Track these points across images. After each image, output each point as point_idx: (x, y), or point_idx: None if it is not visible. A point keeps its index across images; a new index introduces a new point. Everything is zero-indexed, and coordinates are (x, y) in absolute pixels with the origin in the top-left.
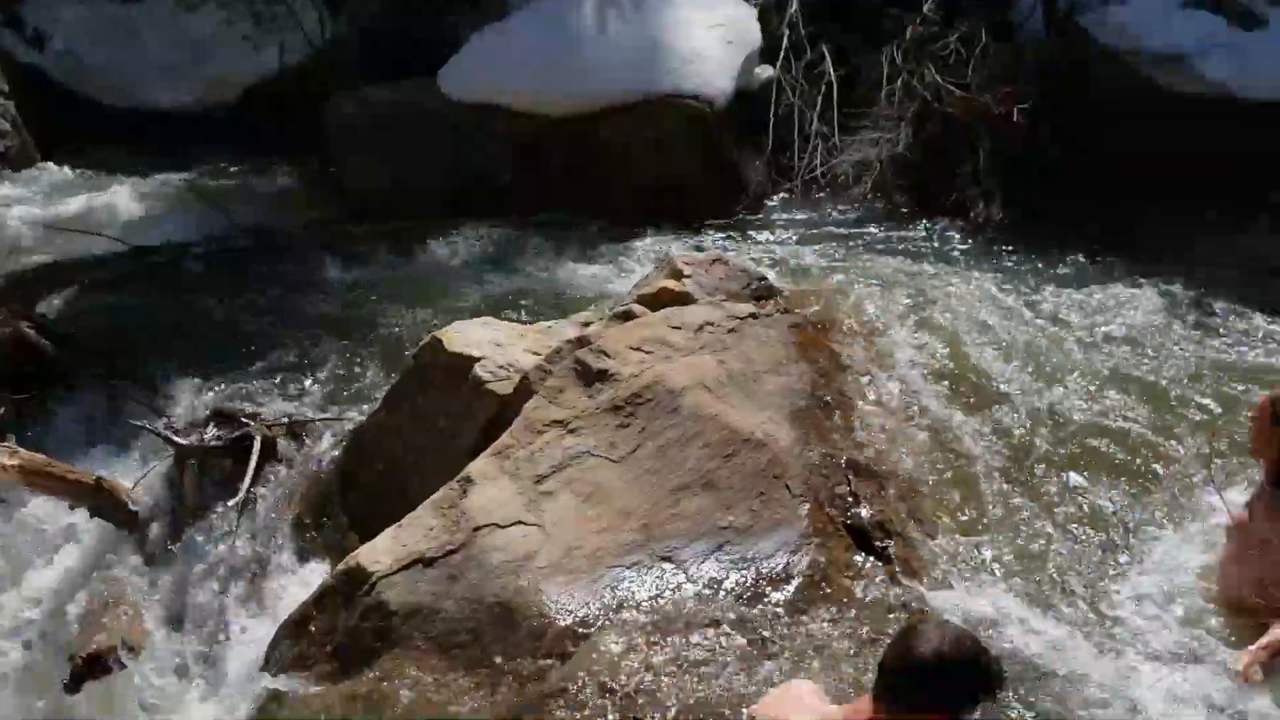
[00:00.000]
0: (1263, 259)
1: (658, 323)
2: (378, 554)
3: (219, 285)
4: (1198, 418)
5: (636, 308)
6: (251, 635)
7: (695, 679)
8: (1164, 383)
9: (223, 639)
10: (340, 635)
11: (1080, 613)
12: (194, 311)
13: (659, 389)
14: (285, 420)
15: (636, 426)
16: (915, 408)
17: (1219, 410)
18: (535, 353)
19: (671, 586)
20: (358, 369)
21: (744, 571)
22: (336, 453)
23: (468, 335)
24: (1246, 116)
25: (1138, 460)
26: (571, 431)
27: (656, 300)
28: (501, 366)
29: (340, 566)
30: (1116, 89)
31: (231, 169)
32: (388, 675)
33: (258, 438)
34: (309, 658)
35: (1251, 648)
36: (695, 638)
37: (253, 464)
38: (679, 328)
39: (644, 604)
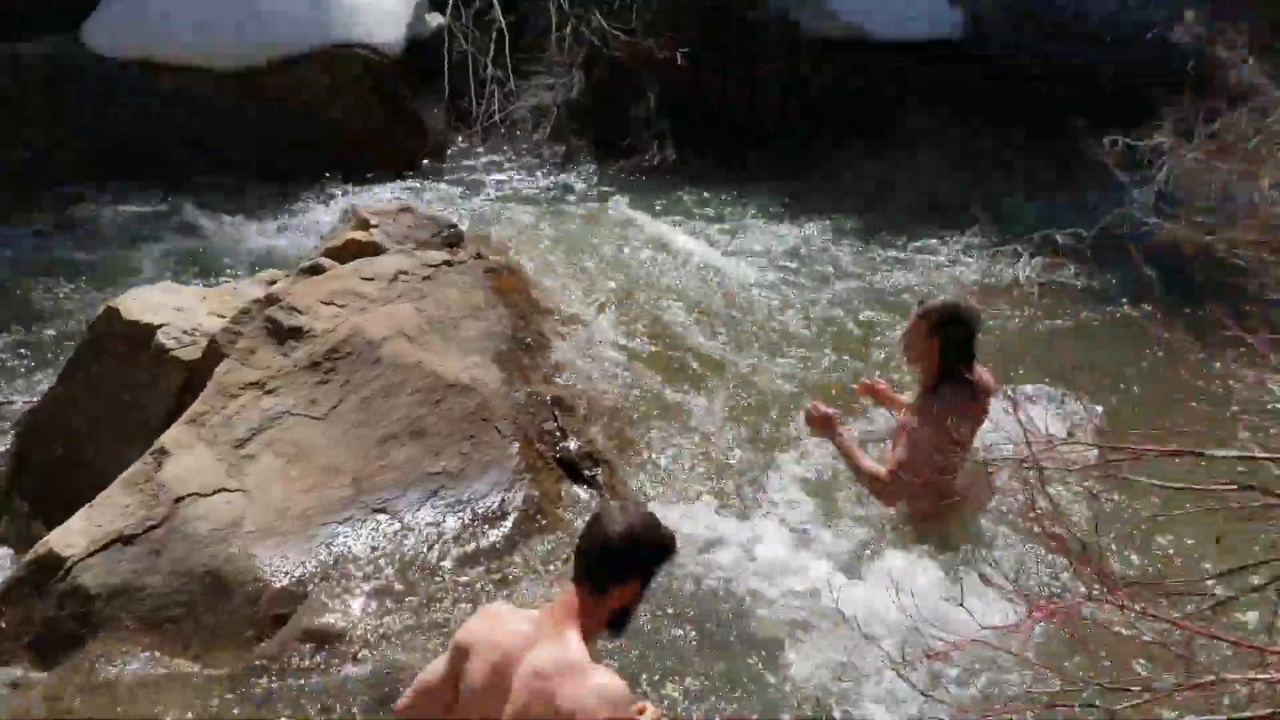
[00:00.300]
0: (899, 184)
1: (348, 275)
2: (71, 536)
3: None
4: (859, 334)
5: (325, 261)
6: None
7: (415, 625)
8: (825, 305)
9: None
10: (36, 626)
11: (748, 501)
12: None
13: (358, 341)
14: None
15: (337, 381)
16: (608, 343)
17: (878, 327)
18: (220, 315)
19: (388, 537)
20: (24, 351)
21: (460, 514)
22: (9, 438)
23: (146, 301)
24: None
25: (807, 374)
26: (269, 392)
27: (344, 252)
28: (186, 332)
29: (29, 555)
30: (768, 32)
31: None
32: (93, 664)
33: None
34: (4, 654)
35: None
36: (415, 585)
37: None
38: (371, 279)
39: (361, 558)
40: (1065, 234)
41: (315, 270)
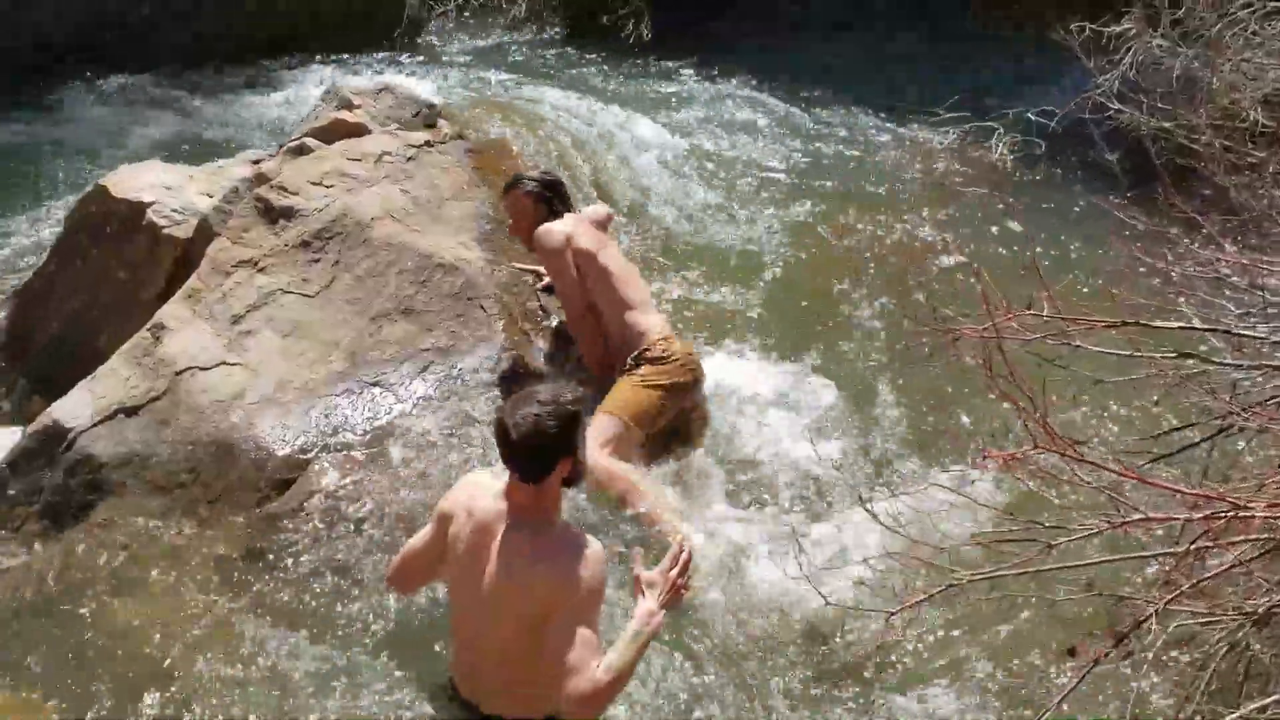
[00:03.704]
0: (872, 68)
1: (335, 155)
2: (74, 408)
3: None
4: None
5: (310, 141)
6: None
7: (409, 490)
8: (792, 188)
9: None
10: (48, 494)
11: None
12: None
13: (347, 221)
14: None
15: (329, 260)
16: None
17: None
18: (209, 195)
19: (383, 409)
20: (14, 231)
21: (450, 387)
22: (3, 316)
23: (135, 180)
24: None
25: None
26: (262, 270)
27: (329, 133)
28: (176, 210)
29: (33, 427)
30: None
31: None
32: (105, 524)
33: None
34: (13, 520)
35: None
36: (408, 452)
37: None
38: (358, 159)
39: (359, 427)
40: (1035, 113)
41: (301, 150)
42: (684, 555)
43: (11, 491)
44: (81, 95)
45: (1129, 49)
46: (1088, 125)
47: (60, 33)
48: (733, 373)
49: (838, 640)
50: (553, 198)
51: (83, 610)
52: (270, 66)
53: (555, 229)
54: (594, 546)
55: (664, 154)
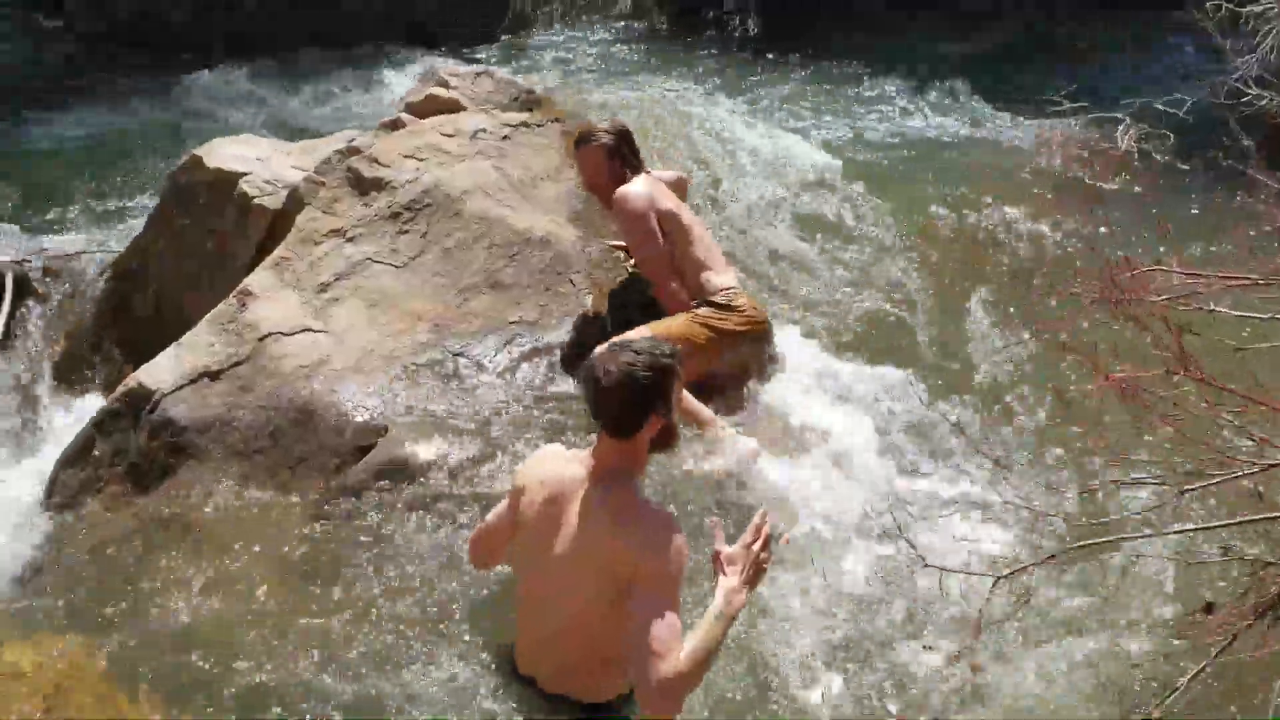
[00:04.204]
0: (987, 60)
1: (429, 130)
2: (158, 372)
3: None
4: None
5: (405, 116)
6: (26, 471)
7: (488, 461)
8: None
9: None
10: (132, 456)
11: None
12: None
13: (438, 194)
14: (37, 255)
15: (418, 232)
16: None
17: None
18: (301, 169)
19: (466, 379)
20: (116, 202)
21: (535, 360)
22: (101, 284)
23: (228, 151)
24: None
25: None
26: (350, 240)
27: (425, 109)
28: (268, 181)
29: (120, 389)
30: None
31: None
32: (183, 488)
33: (9, 275)
34: (98, 481)
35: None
36: (489, 423)
37: (6, 301)
38: (452, 135)
39: (439, 397)
40: (1164, 102)
41: (396, 126)
42: (765, 528)
43: (97, 453)
44: (184, 81)
45: (1270, 30)
46: (1223, 112)
47: (179, 18)
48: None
49: (938, 607)
50: (626, 150)
51: (159, 566)
52: (372, 59)
53: (638, 191)
54: (675, 522)
55: (771, 145)
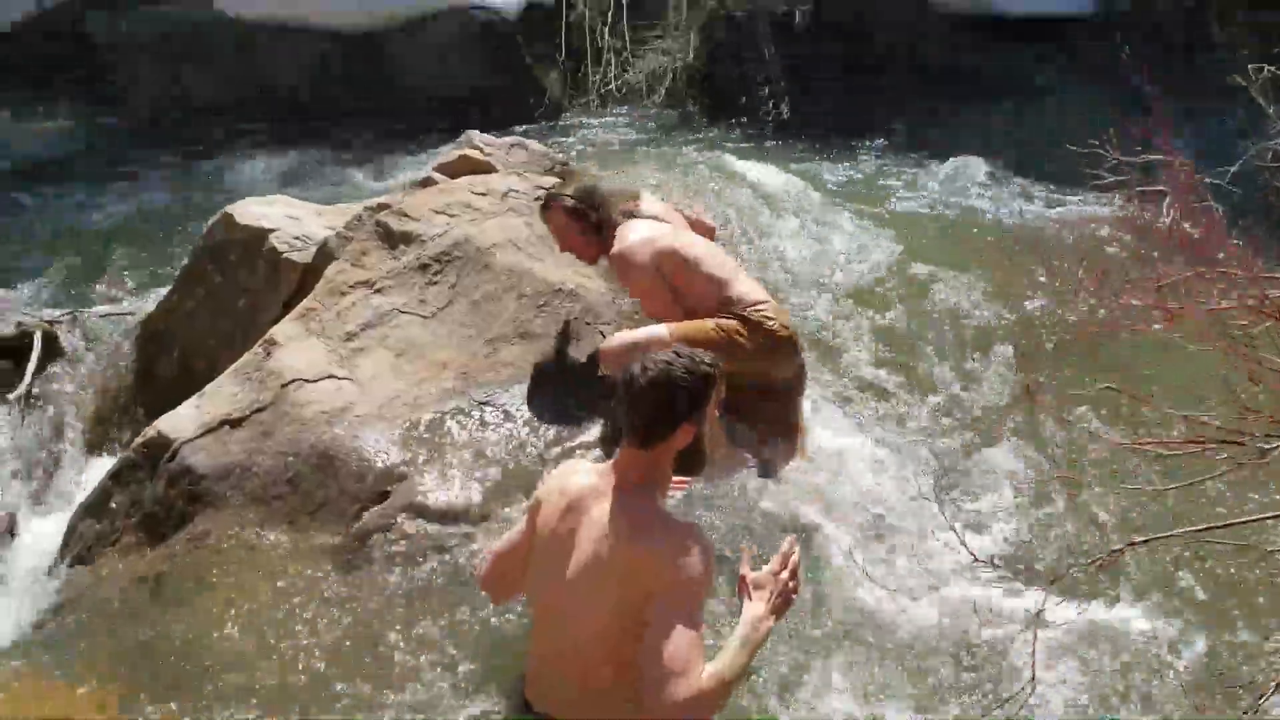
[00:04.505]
0: (1026, 135)
1: (460, 189)
2: (179, 421)
3: None
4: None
5: (437, 176)
6: (43, 529)
7: (513, 507)
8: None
9: (11, 537)
10: (147, 506)
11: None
12: None
13: (468, 246)
14: (68, 315)
15: (446, 283)
16: None
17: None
18: (332, 228)
19: (492, 427)
20: (151, 269)
21: (563, 410)
22: (128, 345)
23: (260, 209)
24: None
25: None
26: (378, 291)
27: (457, 169)
28: (298, 237)
29: (139, 439)
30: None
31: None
32: (200, 537)
33: (37, 333)
34: (113, 534)
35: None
36: (515, 471)
37: (34, 357)
38: (484, 194)
39: (463, 444)
40: (1210, 173)
41: (427, 184)
42: (794, 557)
43: (113, 504)
44: (225, 160)
45: None
46: (1271, 179)
47: (210, 105)
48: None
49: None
50: (587, 208)
51: (172, 612)
52: (408, 141)
53: (637, 247)
54: (702, 534)
55: (799, 212)
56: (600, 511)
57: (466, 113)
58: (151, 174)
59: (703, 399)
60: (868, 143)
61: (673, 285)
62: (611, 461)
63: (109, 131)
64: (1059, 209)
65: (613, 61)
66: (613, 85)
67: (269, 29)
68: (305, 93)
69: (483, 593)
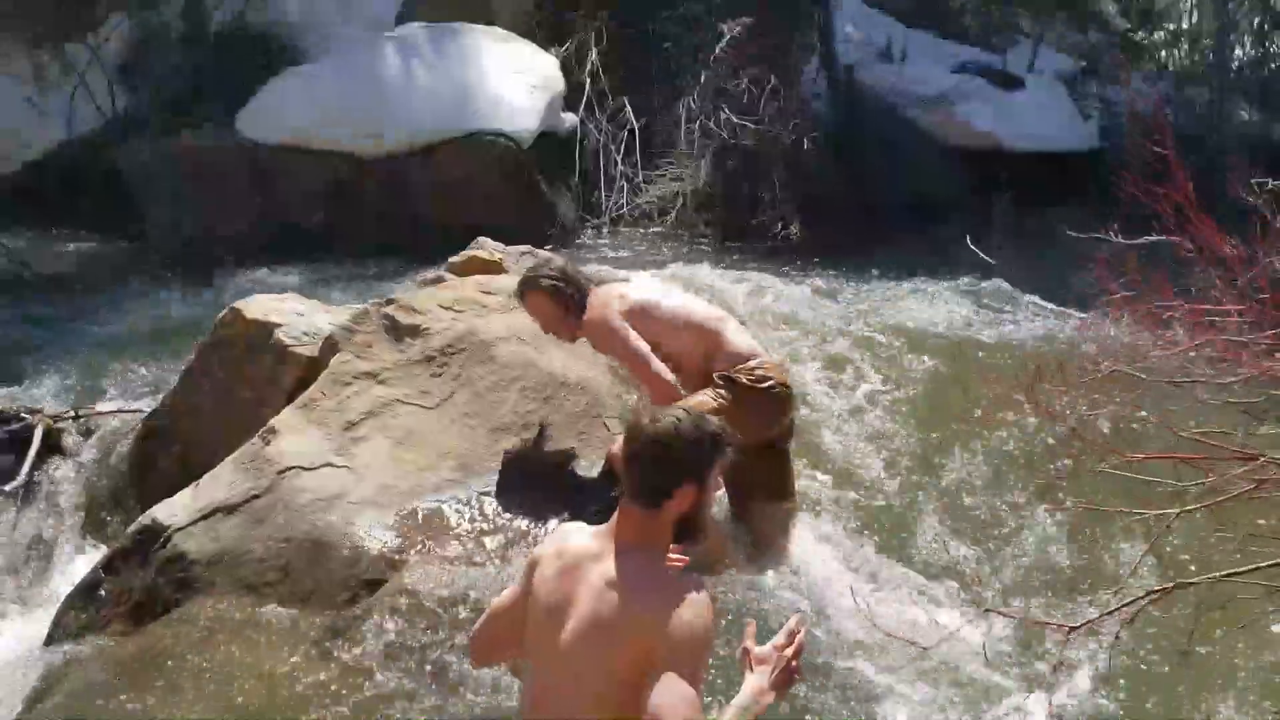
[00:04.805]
0: (1042, 268)
1: (469, 286)
2: (174, 509)
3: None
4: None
5: (446, 275)
6: (32, 618)
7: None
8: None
9: None
10: (137, 594)
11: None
12: None
13: (473, 340)
14: (71, 413)
15: (450, 375)
16: None
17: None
18: (337, 323)
19: (490, 517)
20: (157, 370)
21: (565, 501)
22: (129, 442)
23: (267, 305)
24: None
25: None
26: (381, 382)
27: (467, 269)
28: (305, 332)
29: (133, 527)
30: (890, 134)
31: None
32: (190, 622)
33: (39, 427)
34: (101, 621)
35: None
36: (513, 560)
37: (33, 450)
38: (491, 294)
39: (462, 533)
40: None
41: (436, 282)
42: (800, 635)
43: (102, 593)
44: (242, 281)
45: None
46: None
47: (230, 226)
48: None
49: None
50: (568, 287)
51: (151, 694)
52: (423, 265)
53: (606, 311)
54: (703, 587)
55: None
56: (599, 572)
57: (480, 236)
58: (168, 290)
59: (707, 461)
60: (876, 262)
61: (649, 340)
62: (610, 523)
63: (129, 253)
64: (1070, 324)
65: (625, 187)
66: (625, 210)
67: (287, 152)
68: (320, 215)
69: (471, 657)
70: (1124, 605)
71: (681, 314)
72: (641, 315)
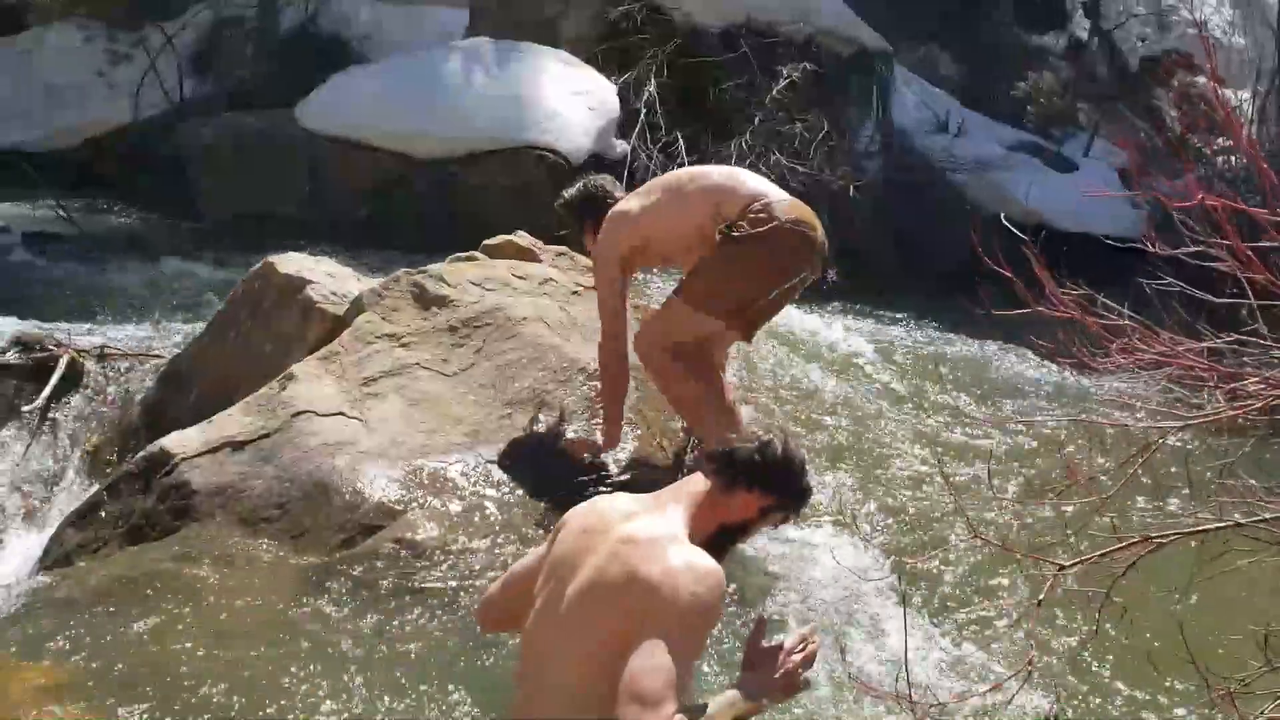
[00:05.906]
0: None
1: (500, 267)
2: (184, 440)
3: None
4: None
5: (479, 255)
6: (31, 543)
7: (506, 556)
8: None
9: None
10: (136, 518)
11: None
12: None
13: (499, 315)
14: (97, 349)
15: (472, 346)
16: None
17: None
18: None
19: (494, 483)
20: (185, 327)
21: (571, 477)
22: (149, 383)
23: (301, 262)
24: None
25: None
26: (404, 345)
27: (500, 252)
28: (334, 293)
29: (141, 453)
30: (937, 197)
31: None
32: (184, 544)
33: (63, 358)
34: (96, 542)
35: None
36: (513, 524)
37: (54, 379)
38: (522, 277)
39: (464, 492)
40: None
41: (469, 259)
42: (813, 644)
43: (102, 514)
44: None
45: None
46: None
47: (279, 211)
48: None
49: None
50: (592, 206)
51: (140, 611)
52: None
53: (604, 248)
54: (719, 572)
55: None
56: (622, 529)
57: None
58: (211, 258)
59: (782, 498)
60: (914, 312)
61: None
62: (659, 491)
63: (179, 230)
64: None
65: None
66: None
67: (341, 145)
68: (366, 208)
69: (477, 619)
70: (1116, 549)
71: (682, 188)
72: (640, 222)
